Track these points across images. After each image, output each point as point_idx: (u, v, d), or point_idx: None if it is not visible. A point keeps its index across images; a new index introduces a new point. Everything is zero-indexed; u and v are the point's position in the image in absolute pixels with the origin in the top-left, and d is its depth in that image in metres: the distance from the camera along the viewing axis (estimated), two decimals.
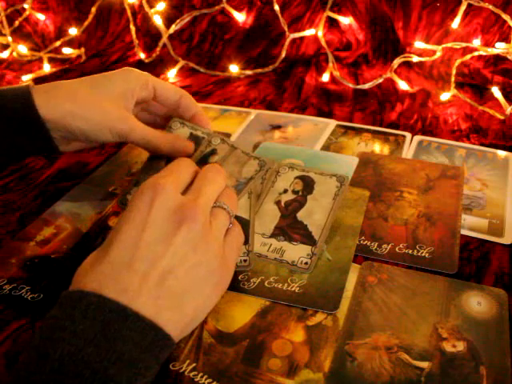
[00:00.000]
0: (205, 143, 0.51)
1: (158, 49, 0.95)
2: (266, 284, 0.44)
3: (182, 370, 0.38)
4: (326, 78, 0.85)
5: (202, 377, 0.37)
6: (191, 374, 0.38)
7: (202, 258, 0.35)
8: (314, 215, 0.51)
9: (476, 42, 0.80)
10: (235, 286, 0.44)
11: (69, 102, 0.45)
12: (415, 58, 0.83)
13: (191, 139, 0.51)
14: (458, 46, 0.81)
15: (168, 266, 0.33)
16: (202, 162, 0.49)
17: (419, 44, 0.84)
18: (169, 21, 0.96)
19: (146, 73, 0.51)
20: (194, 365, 0.38)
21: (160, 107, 0.54)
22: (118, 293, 0.31)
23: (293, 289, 0.44)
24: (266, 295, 0.44)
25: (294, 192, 0.53)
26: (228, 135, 0.70)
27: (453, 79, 0.78)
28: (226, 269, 0.38)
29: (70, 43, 1.04)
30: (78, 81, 0.48)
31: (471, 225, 0.52)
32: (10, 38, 1.05)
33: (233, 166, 0.49)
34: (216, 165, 0.44)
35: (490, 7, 0.78)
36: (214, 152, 0.50)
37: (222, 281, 0.38)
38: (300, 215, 0.51)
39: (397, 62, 0.83)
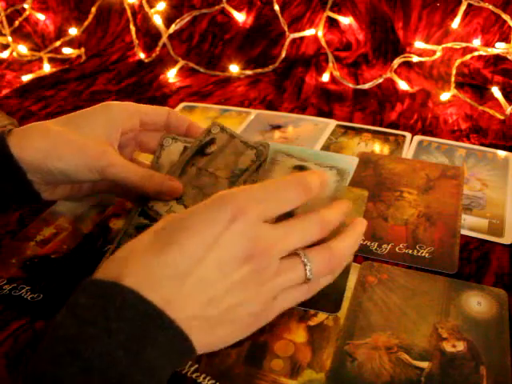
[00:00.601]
0: (204, 132, 0.48)
1: (158, 49, 0.95)
2: None
3: (184, 372, 0.38)
4: (325, 78, 0.85)
5: (204, 378, 0.37)
6: (194, 375, 0.38)
7: (248, 299, 0.32)
8: (310, 209, 0.51)
9: (476, 42, 0.81)
10: None
11: (41, 141, 0.42)
12: (415, 58, 0.83)
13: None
14: (458, 46, 0.81)
15: (215, 295, 0.31)
16: (200, 151, 0.47)
17: (419, 44, 0.84)
18: (169, 21, 0.96)
19: (127, 103, 0.47)
20: (196, 366, 0.38)
21: (153, 135, 0.50)
22: (159, 299, 0.29)
23: None
24: None
25: None
26: None
27: (453, 79, 0.78)
28: (266, 317, 0.35)
29: (70, 43, 1.04)
30: (54, 120, 0.45)
31: (471, 225, 0.52)
32: (10, 38, 1.05)
33: (230, 156, 0.47)
34: (335, 210, 0.38)
35: (490, 7, 0.78)
36: (212, 141, 0.48)
37: (257, 324, 0.35)
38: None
39: (397, 62, 0.83)
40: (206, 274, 0.30)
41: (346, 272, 0.45)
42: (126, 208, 0.55)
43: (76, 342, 0.27)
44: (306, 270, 0.34)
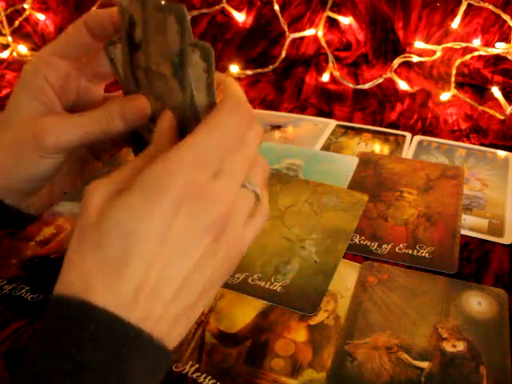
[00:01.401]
0: (121, 13, 0.32)
1: None
2: (249, 281, 0.45)
3: (185, 371, 0.38)
4: (325, 78, 0.85)
5: (205, 378, 0.37)
6: (194, 375, 0.38)
7: (220, 263, 0.30)
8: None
9: (476, 42, 0.80)
10: None
11: None
12: (415, 58, 0.83)
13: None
14: (458, 46, 0.81)
15: (186, 283, 0.28)
16: (132, 44, 0.33)
17: (419, 44, 0.84)
18: None
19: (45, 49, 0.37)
20: (196, 366, 0.38)
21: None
22: (135, 317, 0.26)
23: (275, 288, 0.44)
24: (248, 292, 0.44)
25: None
26: None
27: (453, 79, 0.78)
28: (238, 259, 0.33)
29: None
30: None
31: (471, 225, 0.52)
32: (10, 38, 1.05)
33: (156, 37, 0.32)
34: (256, 128, 0.32)
35: (490, 7, 0.78)
36: (132, 22, 0.32)
37: (231, 270, 0.33)
38: None
39: (397, 62, 0.83)
40: (170, 271, 0.28)
41: (328, 274, 0.45)
42: None
43: (51, 379, 0.24)
44: (256, 194, 0.33)
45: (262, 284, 0.44)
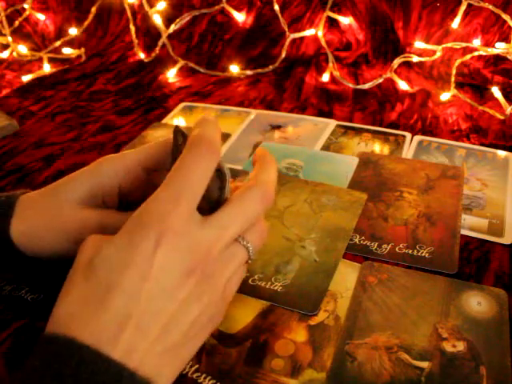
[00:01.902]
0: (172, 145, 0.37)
1: (158, 49, 0.95)
2: (249, 281, 0.45)
3: (185, 371, 0.38)
4: (325, 78, 0.85)
5: (205, 378, 0.37)
6: (194, 376, 0.38)
7: (204, 307, 0.31)
8: None
9: (476, 42, 0.81)
10: None
11: (21, 223, 0.39)
12: (415, 58, 0.83)
13: None
14: (458, 46, 0.81)
15: (172, 321, 0.29)
16: None
17: (419, 44, 0.84)
18: (168, 20, 0.96)
19: (121, 154, 0.41)
20: (196, 366, 0.38)
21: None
22: (118, 351, 0.27)
23: (275, 288, 0.44)
24: (249, 293, 0.44)
25: None
26: (228, 135, 0.70)
27: (453, 79, 0.78)
28: (223, 310, 0.34)
29: (70, 43, 1.04)
30: (42, 190, 0.41)
31: (471, 225, 0.52)
32: (10, 38, 1.05)
33: None
34: (263, 182, 0.34)
35: (490, 7, 0.78)
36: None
37: (218, 320, 0.34)
38: None
39: (397, 62, 0.83)
40: (154, 307, 0.28)
41: (329, 273, 0.45)
42: None
43: None
44: (248, 251, 0.33)
45: (263, 284, 0.44)
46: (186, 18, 0.96)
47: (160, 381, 0.29)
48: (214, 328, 0.34)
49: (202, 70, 0.91)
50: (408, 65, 0.84)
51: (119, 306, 0.28)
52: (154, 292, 0.28)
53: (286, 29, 0.89)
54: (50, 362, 0.26)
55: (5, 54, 1.04)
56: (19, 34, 1.07)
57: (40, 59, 1.01)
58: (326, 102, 0.79)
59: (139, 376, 0.27)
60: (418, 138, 0.68)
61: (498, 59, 0.79)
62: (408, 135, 0.68)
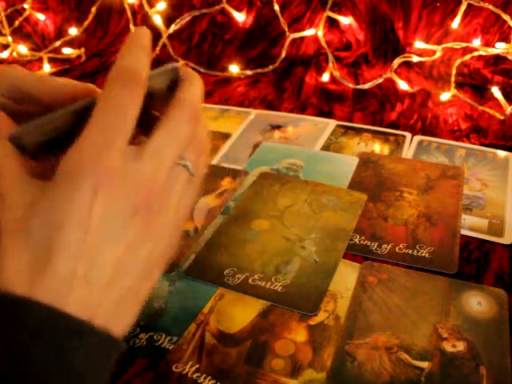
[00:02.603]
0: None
1: (158, 49, 0.95)
2: (250, 281, 0.45)
3: (185, 372, 0.38)
4: (325, 78, 0.85)
5: (205, 378, 0.37)
6: (194, 376, 0.38)
7: (157, 243, 0.30)
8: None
9: (476, 42, 0.81)
10: (219, 281, 0.45)
11: None
12: (415, 58, 0.83)
13: None
14: (458, 46, 0.81)
15: (122, 267, 0.28)
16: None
17: (419, 44, 0.84)
18: (168, 21, 0.96)
19: None
20: (197, 366, 0.38)
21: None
22: (75, 308, 0.26)
23: (275, 288, 0.44)
24: (249, 292, 0.44)
25: None
26: (228, 135, 0.70)
27: (453, 79, 0.78)
28: (179, 234, 0.32)
29: (70, 43, 1.04)
30: None
31: (471, 225, 0.52)
32: (10, 38, 1.05)
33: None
34: (187, 101, 0.32)
35: (490, 7, 0.78)
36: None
37: (173, 248, 0.32)
38: None
39: (397, 62, 0.83)
40: (100, 257, 0.27)
41: (329, 273, 0.45)
42: None
43: None
44: (188, 169, 0.31)
45: (263, 284, 0.44)
46: (186, 18, 0.96)
47: (120, 328, 0.28)
48: (167, 262, 0.32)
49: (202, 70, 0.91)
50: (408, 65, 0.84)
51: (65, 264, 0.27)
52: (97, 243, 0.27)
53: (286, 29, 0.89)
54: (5, 325, 0.25)
55: (5, 54, 1.04)
56: (19, 34, 1.07)
57: (40, 59, 1.01)
58: (326, 102, 0.79)
59: (98, 328, 0.27)
60: (417, 137, 0.68)
61: (498, 59, 0.79)
62: (408, 135, 0.68)
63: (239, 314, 0.42)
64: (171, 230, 0.31)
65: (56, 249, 0.27)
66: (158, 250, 0.30)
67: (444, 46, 0.81)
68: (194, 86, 0.34)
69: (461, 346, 0.39)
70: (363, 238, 0.50)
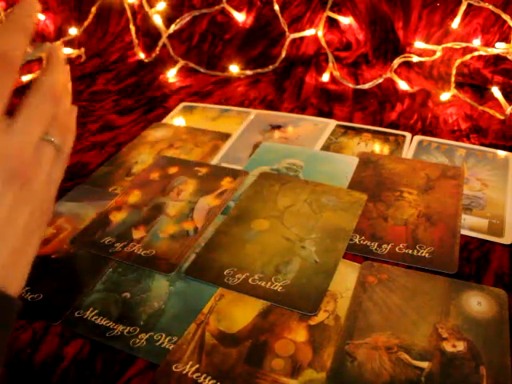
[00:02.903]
0: None
1: (158, 49, 0.95)
2: (249, 281, 0.45)
3: (185, 372, 0.38)
4: (326, 78, 0.85)
5: (205, 378, 0.37)
6: (194, 376, 0.38)
7: (33, 207, 0.32)
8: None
9: (476, 42, 0.81)
10: (219, 281, 0.45)
11: None
12: (415, 58, 0.83)
13: None
14: (458, 46, 0.81)
15: (6, 228, 0.30)
16: None
17: (419, 44, 0.84)
18: (169, 21, 0.96)
19: None
20: (196, 366, 0.38)
21: None
22: None
23: (275, 288, 0.44)
24: (249, 292, 0.44)
25: None
26: (228, 135, 0.70)
27: (453, 79, 0.78)
28: (52, 202, 0.34)
29: (70, 43, 1.04)
30: None
31: (471, 225, 0.52)
32: None
33: None
34: (45, 86, 0.35)
35: (490, 7, 0.78)
36: None
37: (50, 212, 0.34)
38: None
39: (397, 61, 0.83)
40: None
41: (329, 274, 0.45)
42: (127, 202, 0.55)
43: None
44: (54, 144, 0.34)
45: (263, 284, 0.44)
46: (186, 18, 0.96)
47: (13, 287, 0.29)
48: (47, 223, 0.34)
49: (202, 70, 0.91)
50: (408, 65, 0.84)
51: None
52: None
53: (286, 29, 0.89)
54: None
55: None
56: None
57: (40, 59, 1.01)
58: (326, 102, 0.79)
59: None
60: (417, 138, 0.68)
61: (498, 59, 0.79)
62: (408, 135, 0.68)
63: (239, 313, 0.42)
64: (44, 196, 0.33)
65: None
66: (34, 215, 0.32)
67: (444, 46, 0.81)
68: (55, 70, 0.37)
69: (461, 346, 0.39)
70: (363, 237, 0.50)
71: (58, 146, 0.35)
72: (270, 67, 0.89)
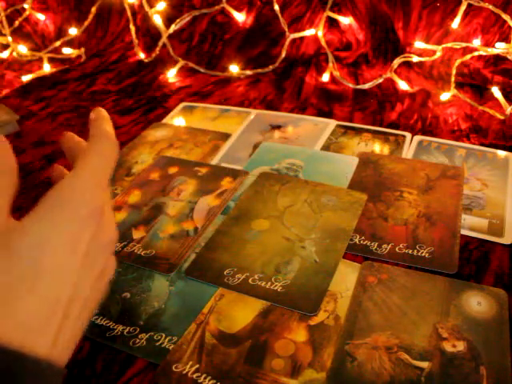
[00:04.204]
0: None
1: (158, 49, 0.95)
2: (250, 281, 0.45)
3: (185, 372, 0.38)
4: (325, 78, 0.85)
5: (205, 378, 0.37)
6: (194, 376, 0.38)
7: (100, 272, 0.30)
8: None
9: (476, 42, 0.81)
10: (219, 281, 0.45)
11: None
12: (415, 58, 0.83)
13: None
14: (458, 46, 0.81)
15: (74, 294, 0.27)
16: None
17: (419, 44, 0.84)
18: (169, 21, 0.96)
19: None
20: (197, 366, 0.38)
21: None
22: (16, 338, 0.24)
23: (275, 288, 0.44)
24: (249, 292, 0.44)
25: None
26: (228, 135, 0.70)
27: (453, 79, 0.78)
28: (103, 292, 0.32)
29: (70, 43, 1.04)
30: None
31: (471, 225, 0.52)
32: (10, 38, 1.05)
33: None
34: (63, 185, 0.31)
35: (490, 7, 0.78)
36: None
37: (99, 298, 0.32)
38: None
39: (397, 62, 0.83)
40: (83, 287, 0.27)
41: (329, 273, 0.45)
42: (127, 202, 0.55)
43: None
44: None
45: (263, 284, 0.44)
46: (186, 18, 0.96)
47: (62, 357, 0.27)
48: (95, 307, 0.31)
49: (202, 70, 0.91)
50: (408, 65, 0.84)
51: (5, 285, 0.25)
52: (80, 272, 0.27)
53: (286, 29, 0.89)
54: None
55: (5, 54, 1.04)
56: (19, 33, 1.07)
57: (40, 59, 1.01)
58: (326, 102, 0.79)
59: (41, 359, 0.25)
60: (417, 138, 0.68)
61: (498, 59, 0.79)
62: (408, 135, 0.68)
63: (239, 314, 0.42)
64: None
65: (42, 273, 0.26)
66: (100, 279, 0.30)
67: (444, 45, 0.81)
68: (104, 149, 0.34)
69: (461, 346, 0.39)
70: (363, 237, 0.50)
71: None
72: (270, 67, 0.89)
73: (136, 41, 0.97)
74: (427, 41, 0.84)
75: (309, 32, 0.89)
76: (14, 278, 0.25)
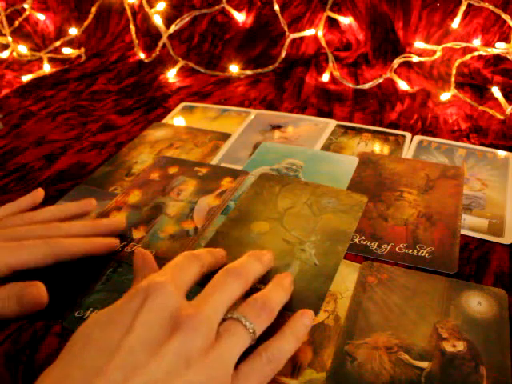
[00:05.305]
0: None
1: (158, 49, 0.95)
2: None
3: None
4: (326, 78, 0.85)
5: None
6: None
7: (195, 378, 0.28)
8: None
9: (476, 42, 0.81)
10: None
11: None
12: (415, 58, 0.83)
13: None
14: (458, 46, 0.81)
15: (149, 379, 0.26)
16: None
17: (419, 44, 0.84)
18: (169, 21, 0.96)
19: None
20: None
21: None
22: None
23: None
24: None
25: None
26: (228, 135, 0.70)
27: (453, 79, 0.78)
28: None
29: (70, 43, 1.04)
30: None
31: (471, 225, 0.52)
32: (9, 38, 1.05)
33: None
34: (236, 264, 0.37)
35: (490, 7, 0.78)
36: None
37: None
38: None
39: (397, 62, 0.83)
40: (129, 357, 0.27)
41: (329, 276, 0.45)
42: (127, 202, 0.55)
43: None
44: (244, 324, 0.33)
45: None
46: (186, 18, 0.96)
47: None
48: None
49: (202, 70, 0.91)
50: (408, 65, 0.84)
51: (91, 357, 0.27)
52: (134, 343, 0.28)
53: (286, 29, 0.89)
54: None
55: (5, 54, 1.04)
56: (19, 34, 1.07)
57: (40, 59, 1.01)
58: (326, 102, 0.79)
59: None
60: (417, 137, 0.68)
61: (498, 59, 0.79)
62: (408, 135, 0.68)
63: None
64: (222, 376, 0.30)
65: (88, 344, 0.28)
66: None
67: (444, 45, 0.81)
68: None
69: (461, 346, 0.39)
70: (363, 237, 0.50)
71: (251, 328, 0.33)
72: (270, 67, 0.89)
73: (136, 41, 0.97)
74: (427, 41, 0.84)
75: (309, 32, 0.89)
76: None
